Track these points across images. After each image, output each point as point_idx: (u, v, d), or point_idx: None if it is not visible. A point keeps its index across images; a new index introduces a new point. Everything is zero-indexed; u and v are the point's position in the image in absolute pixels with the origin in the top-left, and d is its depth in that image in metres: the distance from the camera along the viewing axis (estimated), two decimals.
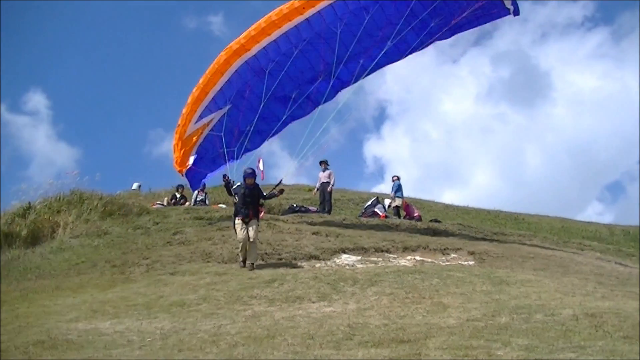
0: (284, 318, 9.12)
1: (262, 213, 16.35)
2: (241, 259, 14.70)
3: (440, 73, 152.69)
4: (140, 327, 8.83)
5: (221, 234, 17.68)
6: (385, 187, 32.99)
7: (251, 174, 15.44)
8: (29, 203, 19.91)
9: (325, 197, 24.48)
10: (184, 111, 19.67)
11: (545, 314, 8.32)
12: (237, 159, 20.13)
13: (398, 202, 26.39)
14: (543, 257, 17.28)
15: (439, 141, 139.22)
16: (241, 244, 14.58)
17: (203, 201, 26.82)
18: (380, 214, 25.72)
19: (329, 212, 24.30)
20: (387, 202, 27.26)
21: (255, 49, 18.87)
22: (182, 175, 20.53)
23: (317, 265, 15.18)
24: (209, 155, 20.31)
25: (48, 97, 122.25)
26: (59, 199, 20.68)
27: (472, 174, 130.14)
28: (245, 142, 19.88)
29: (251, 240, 14.61)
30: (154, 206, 24.57)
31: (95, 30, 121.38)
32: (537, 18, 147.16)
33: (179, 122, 19.80)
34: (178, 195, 27.33)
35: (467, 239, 19.98)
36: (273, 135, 20.66)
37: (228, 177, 17.14)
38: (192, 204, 26.26)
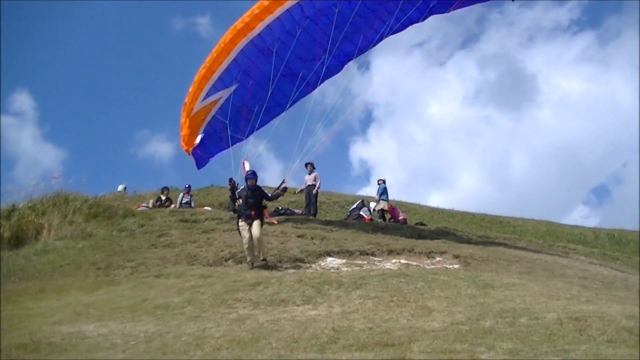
0: (268, 321, 9.09)
1: (267, 215, 16.38)
2: (249, 259, 14.92)
3: (426, 76, 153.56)
4: (125, 330, 8.79)
5: (206, 237, 17.68)
6: (371, 190, 33.03)
7: (252, 176, 15.74)
8: (13, 205, 19.79)
9: (311, 200, 24.50)
10: (190, 89, 19.95)
11: (529, 318, 8.27)
12: (245, 137, 20.49)
13: (383, 205, 26.43)
14: (528, 260, 17.33)
15: (425, 144, 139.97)
16: (246, 245, 14.80)
17: (188, 203, 26.79)
18: (366, 217, 25.79)
19: (314, 214, 24.32)
20: (372, 205, 27.32)
21: (259, 27, 19.07)
22: (189, 155, 20.74)
23: (302, 268, 15.18)
24: (217, 134, 20.54)
25: (34, 97, 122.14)
26: (44, 200, 20.56)
27: (458, 177, 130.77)
28: (254, 121, 20.09)
29: (256, 237, 14.80)
30: (139, 208, 24.49)
31: (82, 31, 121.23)
32: (524, 21, 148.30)
33: (186, 100, 20.08)
34: (163, 198, 27.27)
35: (453, 242, 20.02)
36: (282, 113, 20.82)
37: (234, 181, 17.46)
38: (177, 207, 26.22)
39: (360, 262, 16.20)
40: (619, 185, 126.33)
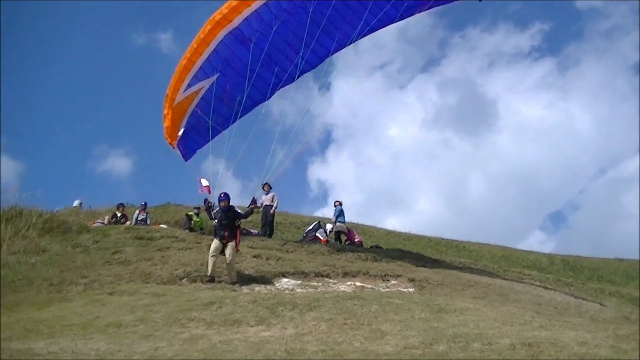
0: (221, 342, 9.10)
1: (238, 238, 16.65)
2: (209, 272, 15.41)
3: (387, 98, 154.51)
4: (75, 348, 8.70)
5: (161, 255, 17.59)
6: (329, 211, 33.18)
7: (224, 197, 16.51)
8: None
9: (267, 220, 24.49)
10: (171, 81, 20.10)
11: (482, 343, 8.34)
12: (229, 125, 20.80)
13: (339, 227, 26.49)
14: (482, 285, 17.50)
15: (384, 166, 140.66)
16: (211, 258, 15.51)
17: (144, 221, 26.63)
18: (322, 238, 25.83)
19: (270, 235, 24.31)
20: (329, 226, 27.36)
21: (237, 20, 19.24)
22: (174, 148, 21.07)
23: (257, 288, 15.17)
24: (202, 124, 20.56)
25: None
26: None
27: (415, 200, 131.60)
28: (237, 109, 20.29)
29: (227, 262, 15.56)
30: (94, 224, 24.27)
31: (41, 42, 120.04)
32: (485, 46, 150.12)
33: (167, 92, 20.27)
34: (119, 214, 27.05)
35: (408, 265, 20.12)
36: (264, 100, 21.03)
37: (210, 202, 17.57)
38: (132, 223, 26.04)
39: (315, 283, 16.26)
40: (575, 212, 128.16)
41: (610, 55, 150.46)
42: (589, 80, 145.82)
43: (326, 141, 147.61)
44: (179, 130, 20.56)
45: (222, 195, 16.54)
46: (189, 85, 19.96)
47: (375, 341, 8.94)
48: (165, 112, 20.43)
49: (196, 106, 20.37)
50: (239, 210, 17.22)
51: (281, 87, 20.97)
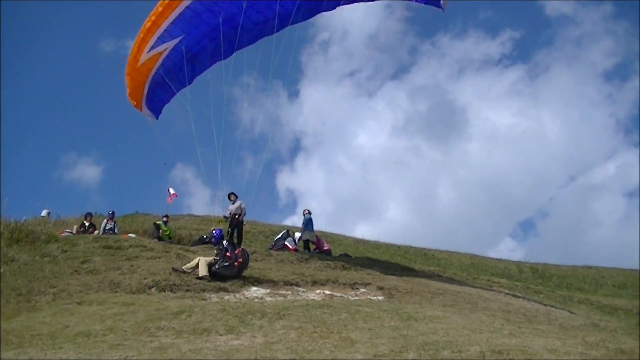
0: (190, 350, 9.11)
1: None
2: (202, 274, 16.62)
3: (356, 106, 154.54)
4: (44, 358, 8.69)
5: (130, 264, 17.58)
6: (298, 220, 33.21)
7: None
8: None
9: (236, 229, 24.48)
10: (135, 43, 20.72)
11: (452, 351, 8.39)
12: (189, 83, 21.56)
13: (308, 235, 26.56)
14: (452, 293, 17.64)
15: (353, 174, 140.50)
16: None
17: (112, 230, 26.50)
18: (290, 247, 25.87)
19: (239, 243, 24.29)
20: (297, 235, 27.42)
21: None
22: (141, 111, 21.98)
23: (226, 297, 15.22)
24: (165, 82, 21.14)
25: None
26: None
27: (385, 208, 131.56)
28: (199, 66, 21.62)
29: None
30: (63, 234, 24.12)
31: (7, 48, 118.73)
32: (455, 53, 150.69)
33: (131, 51, 20.88)
34: (87, 224, 26.89)
35: (377, 273, 20.27)
36: (223, 58, 21.58)
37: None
38: (101, 233, 25.92)
39: (284, 292, 16.32)
40: (544, 219, 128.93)
41: (580, 62, 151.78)
42: (559, 88, 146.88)
43: (295, 149, 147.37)
44: (141, 93, 21.37)
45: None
46: (153, 47, 20.49)
47: (344, 349, 8.99)
48: (127, 71, 21.16)
49: (160, 65, 20.90)
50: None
51: (246, 44, 21.88)
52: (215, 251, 18.13)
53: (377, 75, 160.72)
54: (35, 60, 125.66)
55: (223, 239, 18.84)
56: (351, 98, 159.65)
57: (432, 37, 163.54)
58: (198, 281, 16.16)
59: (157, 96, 22.01)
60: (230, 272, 16.85)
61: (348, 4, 20.72)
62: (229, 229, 24.01)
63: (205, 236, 25.79)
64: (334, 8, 21.00)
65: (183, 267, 16.85)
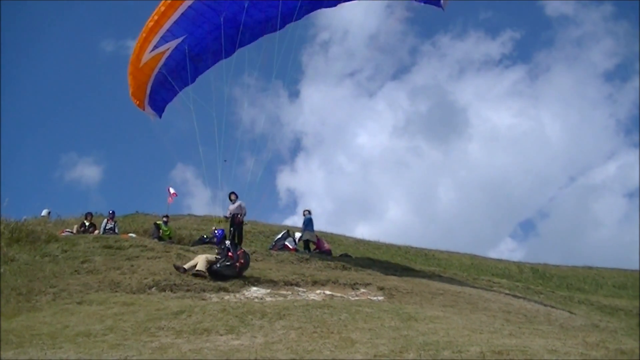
0: (191, 350, 9.10)
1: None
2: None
3: (356, 106, 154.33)
4: (44, 358, 8.68)
5: (130, 264, 17.56)
6: (298, 220, 33.23)
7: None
8: None
9: (237, 229, 24.45)
10: (137, 43, 20.92)
11: (452, 351, 8.37)
12: (191, 82, 21.78)
13: (308, 235, 26.55)
14: (452, 293, 17.60)
15: (354, 174, 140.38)
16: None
17: (112, 229, 26.51)
18: (291, 247, 25.87)
19: (239, 243, 24.26)
20: (297, 235, 27.41)
21: None
22: (143, 110, 22.11)
23: (226, 297, 15.20)
24: (167, 81, 21.31)
25: None
26: None
27: (385, 208, 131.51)
28: (201, 65, 21.71)
29: None
30: (63, 234, 24.12)
31: (7, 48, 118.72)
32: (456, 54, 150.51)
33: (134, 51, 21.01)
34: (87, 223, 26.91)
35: (377, 274, 20.25)
36: (225, 57, 21.60)
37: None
38: (101, 233, 25.92)
39: (285, 292, 16.30)
40: (544, 220, 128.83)
41: (581, 62, 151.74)
42: (559, 88, 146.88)
43: (295, 149, 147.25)
44: (144, 92, 21.46)
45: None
46: (156, 47, 20.61)
47: (345, 349, 8.97)
48: (130, 71, 21.26)
49: (163, 65, 21.02)
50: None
51: (247, 42, 21.95)
52: (217, 250, 18.11)
53: (378, 75, 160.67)
54: (35, 60, 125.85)
55: (226, 239, 18.81)
56: (352, 98, 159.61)
57: (433, 37, 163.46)
58: (198, 281, 16.13)
59: (160, 95, 22.12)
60: (231, 272, 16.84)
61: (349, 0, 20.77)
62: (231, 229, 24.00)
63: (205, 236, 25.81)
64: (335, 5, 21.02)
65: (185, 266, 16.85)
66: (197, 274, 16.41)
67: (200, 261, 16.78)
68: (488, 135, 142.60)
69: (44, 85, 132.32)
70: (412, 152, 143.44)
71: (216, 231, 24.71)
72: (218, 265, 16.86)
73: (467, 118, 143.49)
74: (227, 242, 18.00)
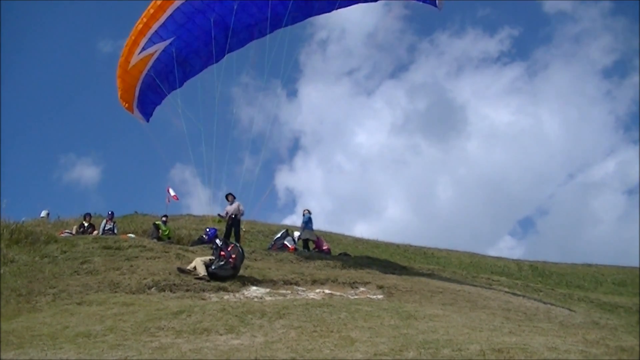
0: (191, 350, 9.08)
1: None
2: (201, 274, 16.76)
3: (354, 104, 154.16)
4: (44, 358, 8.68)
5: (129, 264, 17.56)
6: (297, 219, 33.21)
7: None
8: None
9: (234, 229, 24.46)
10: (126, 45, 20.79)
11: (452, 349, 8.34)
12: (179, 86, 21.64)
13: (308, 234, 26.56)
14: (451, 291, 17.58)
15: (352, 173, 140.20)
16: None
17: (111, 230, 26.53)
18: (290, 246, 25.88)
19: (237, 241, 24.27)
20: (296, 234, 27.42)
21: None
22: (132, 112, 22.04)
23: (226, 297, 15.21)
24: (156, 84, 21.28)
25: None
26: None
27: (384, 206, 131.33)
28: (189, 69, 21.71)
29: None
30: (62, 234, 24.12)
31: (6, 48, 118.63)
32: (454, 51, 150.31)
33: (122, 54, 20.96)
34: (86, 224, 26.93)
35: (376, 272, 20.24)
36: (214, 61, 21.80)
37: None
38: (100, 233, 25.93)
39: (284, 291, 16.31)
40: (544, 217, 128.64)
41: (579, 59, 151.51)
42: (557, 85, 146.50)
43: (294, 148, 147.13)
44: (133, 95, 21.45)
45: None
46: (144, 48, 20.61)
47: (344, 348, 8.94)
48: (118, 74, 21.24)
49: (150, 67, 21.00)
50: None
51: (236, 47, 22.01)
52: (212, 251, 18.12)
53: (376, 73, 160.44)
54: (33, 61, 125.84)
55: (216, 238, 18.76)
56: (350, 97, 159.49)
57: (431, 35, 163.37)
58: (198, 281, 16.17)
59: (149, 98, 22.10)
60: (227, 271, 16.82)
61: (343, 7, 20.71)
62: (226, 228, 24.03)
63: (204, 236, 25.81)
64: (329, 11, 20.99)
65: (188, 268, 16.89)
66: (201, 279, 16.40)
67: (198, 266, 16.79)
68: (487, 132, 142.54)
69: (42, 85, 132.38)
70: (410, 150, 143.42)
71: (208, 230, 24.66)
72: (213, 267, 16.87)
73: (466, 116, 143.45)
74: (217, 241, 17.95)
